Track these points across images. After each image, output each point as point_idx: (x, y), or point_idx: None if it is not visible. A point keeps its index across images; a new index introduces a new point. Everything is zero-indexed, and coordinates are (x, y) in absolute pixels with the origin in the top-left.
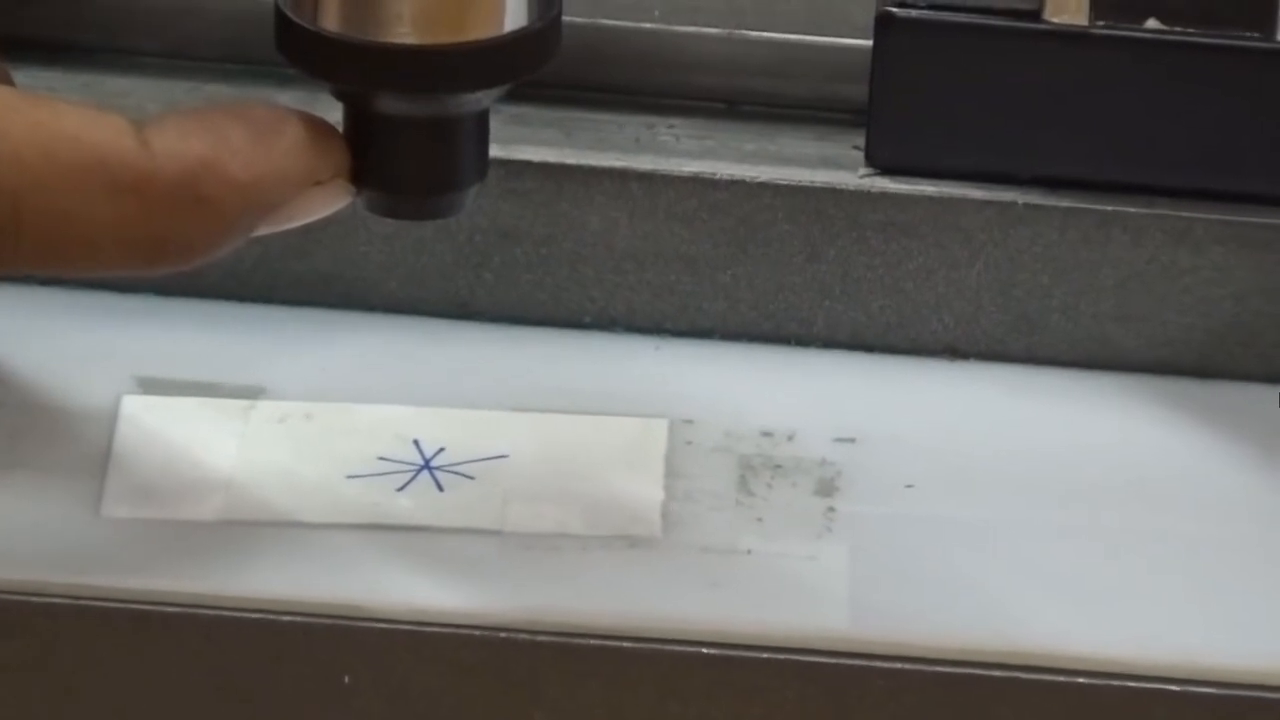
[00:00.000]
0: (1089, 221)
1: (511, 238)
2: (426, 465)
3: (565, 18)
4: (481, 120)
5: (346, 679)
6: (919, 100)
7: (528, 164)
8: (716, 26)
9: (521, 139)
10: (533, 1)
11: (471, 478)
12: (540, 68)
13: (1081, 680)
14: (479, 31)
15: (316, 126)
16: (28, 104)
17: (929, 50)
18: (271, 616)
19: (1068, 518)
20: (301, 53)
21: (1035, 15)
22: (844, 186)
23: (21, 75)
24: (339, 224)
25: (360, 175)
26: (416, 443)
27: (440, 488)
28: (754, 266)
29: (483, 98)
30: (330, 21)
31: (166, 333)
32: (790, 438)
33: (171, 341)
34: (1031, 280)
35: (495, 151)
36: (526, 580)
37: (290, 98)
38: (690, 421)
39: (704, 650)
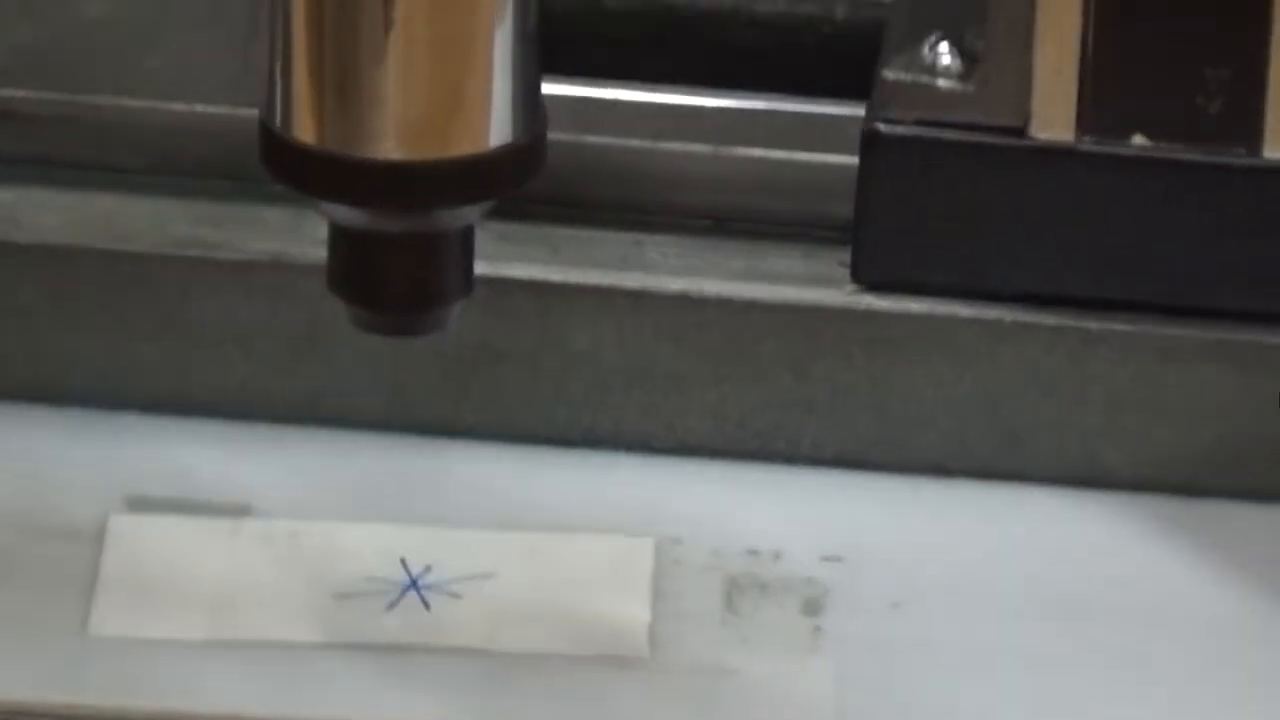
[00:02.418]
0: (1076, 338)
1: (499, 355)
2: (413, 584)
3: (552, 134)
4: (467, 236)
5: None
6: (906, 217)
7: (515, 281)
8: (703, 143)
9: (509, 256)
10: (517, 117)
11: (459, 596)
12: (524, 184)
13: None
14: (463, 147)
15: None
16: None
17: (915, 167)
18: None
19: (1055, 639)
20: (285, 168)
21: (1021, 131)
22: (831, 304)
23: (5, 193)
24: (326, 341)
25: (346, 290)
26: (403, 561)
27: (427, 606)
28: (741, 384)
29: (467, 214)
30: (314, 136)
31: (154, 451)
32: (777, 556)
33: (159, 460)
34: (1019, 398)
35: (483, 269)
36: (514, 700)
37: (277, 213)
38: (678, 540)
39: None
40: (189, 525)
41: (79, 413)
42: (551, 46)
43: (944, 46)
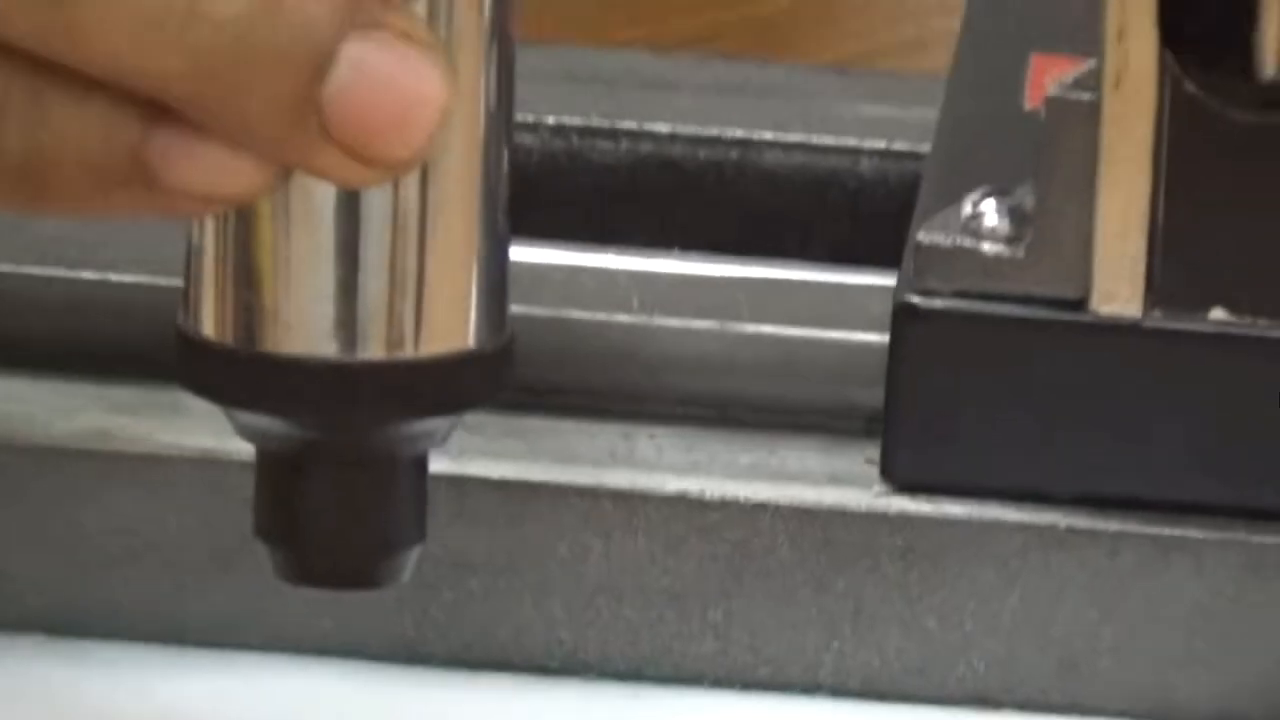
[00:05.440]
0: (1145, 547)
1: (465, 568)
2: None
3: (528, 308)
4: (420, 465)
5: None
6: (944, 405)
7: (484, 481)
8: (705, 318)
9: (476, 451)
10: (482, 319)
11: None
12: (486, 399)
13: None
14: (417, 349)
15: None
16: None
17: (956, 346)
18: None
19: None
20: (198, 373)
21: (1080, 305)
22: (855, 507)
23: None
24: (258, 551)
25: (273, 534)
26: None
27: None
28: (750, 601)
29: (417, 434)
30: (231, 333)
31: (63, 678)
32: None
33: (67, 689)
34: (1076, 616)
35: (445, 467)
36: None
37: (204, 401)
38: None
39: None
40: None
41: None
42: (529, 207)
43: (989, 204)
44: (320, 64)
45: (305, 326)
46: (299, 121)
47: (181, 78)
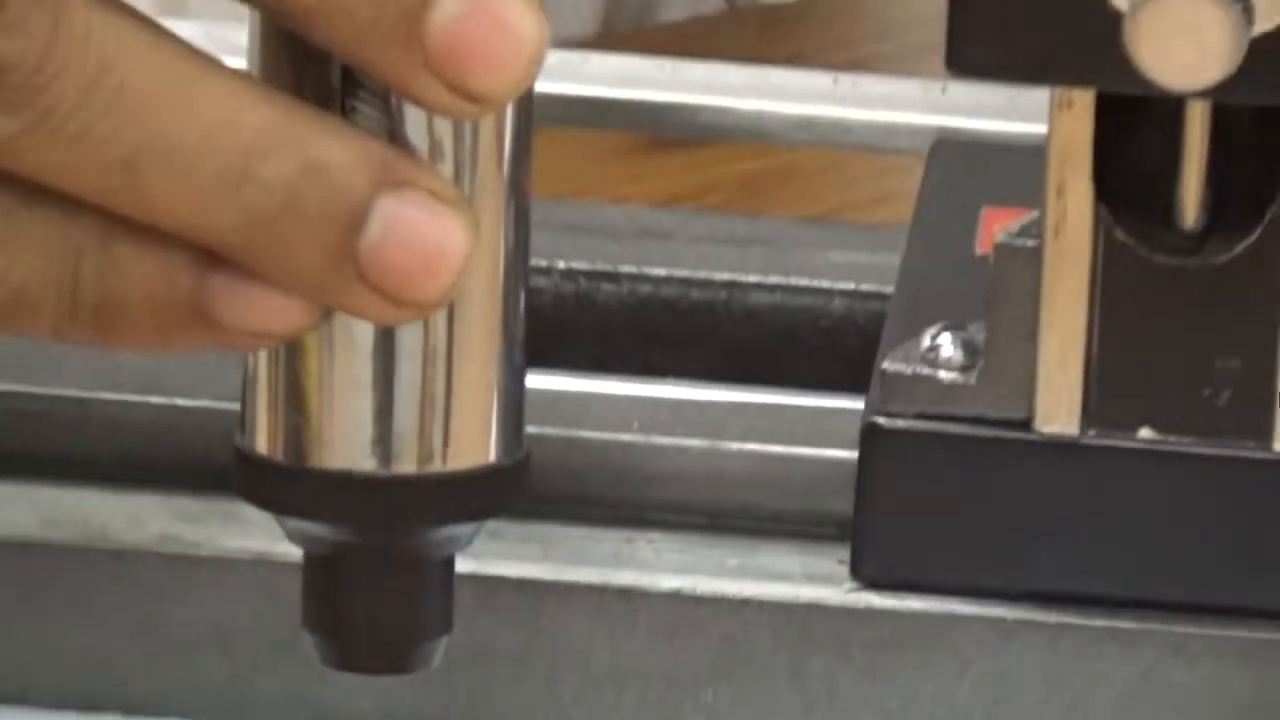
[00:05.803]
0: (1082, 637)
1: (487, 655)
2: None
3: (542, 429)
4: (448, 566)
5: None
6: (907, 512)
7: (503, 579)
8: (698, 437)
9: (497, 554)
10: (501, 436)
11: None
12: (501, 509)
13: None
14: (446, 463)
15: None
16: None
17: (917, 461)
18: None
19: None
20: (252, 485)
21: (1025, 425)
22: (829, 602)
23: None
24: (307, 640)
25: (319, 625)
26: None
27: None
28: (737, 685)
29: (450, 537)
30: (280, 449)
31: None
32: None
33: None
34: (1022, 697)
35: (470, 567)
36: None
37: (257, 510)
38: None
39: None
40: None
41: (51, 717)
42: (542, 340)
43: (945, 338)
44: (357, 219)
45: (346, 444)
46: (338, 269)
47: (234, 232)
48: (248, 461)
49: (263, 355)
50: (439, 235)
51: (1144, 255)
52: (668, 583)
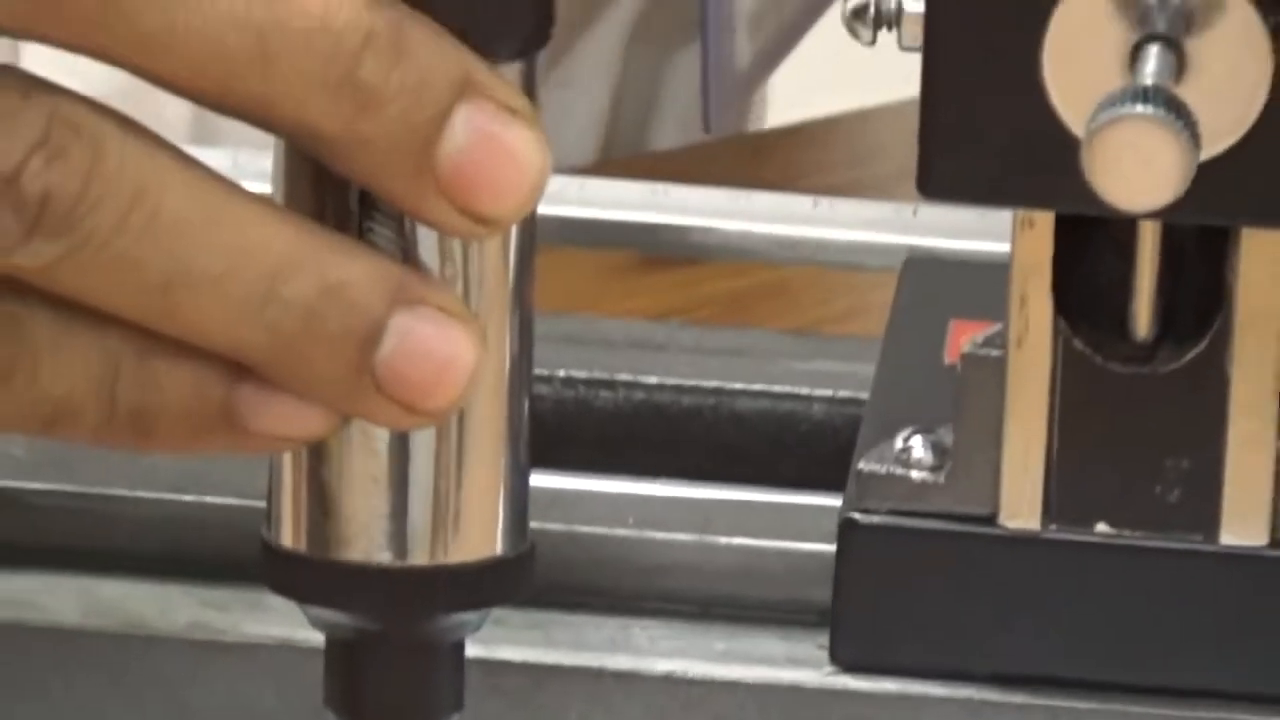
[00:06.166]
0: (1044, 715)
1: None
2: None
3: (543, 525)
4: (458, 650)
5: None
6: (881, 601)
7: (509, 663)
8: (687, 532)
9: (503, 639)
10: (508, 529)
11: None
12: (511, 598)
13: None
14: (459, 555)
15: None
16: None
17: (890, 554)
18: None
19: None
20: (275, 574)
21: (991, 520)
22: (809, 684)
23: (19, 579)
24: (329, 718)
25: (340, 704)
26: None
27: None
28: None
29: (460, 624)
30: (303, 541)
31: None
32: None
33: None
34: None
35: (477, 651)
36: None
37: (281, 599)
38: None
39: None
40: None
41: None
42: (544, 442)
43: (916, 440)
44: (374, 336)
45: (364, 538)
46: (357, 381)
47: (261, 348)
48: (274, 553)
49: (287, 456)
50: (449, 349)
51: (1100, 364)
52: (661, 666)
